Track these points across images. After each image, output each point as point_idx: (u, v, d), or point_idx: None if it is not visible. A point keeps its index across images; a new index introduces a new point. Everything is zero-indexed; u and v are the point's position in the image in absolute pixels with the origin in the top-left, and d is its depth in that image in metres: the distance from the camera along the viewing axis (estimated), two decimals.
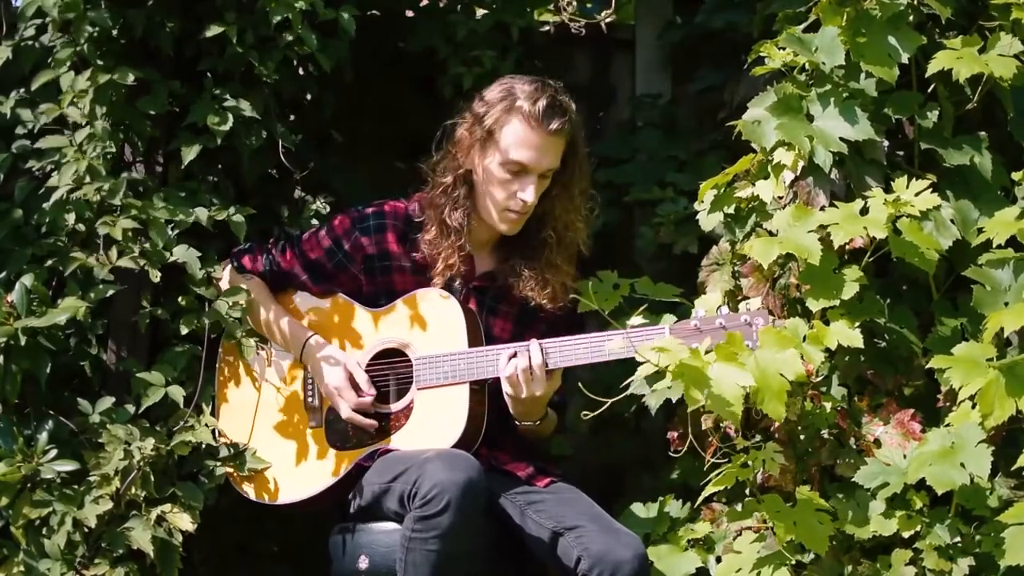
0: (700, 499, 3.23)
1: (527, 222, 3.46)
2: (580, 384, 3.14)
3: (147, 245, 3.39)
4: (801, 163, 3.27)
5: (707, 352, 3.01)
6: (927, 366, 3.22)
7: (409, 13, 4.15)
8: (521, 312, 3.49)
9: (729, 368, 2.97)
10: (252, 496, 3.45)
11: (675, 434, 3.32)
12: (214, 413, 3.48)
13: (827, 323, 3.18)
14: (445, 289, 3.43)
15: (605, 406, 3.05)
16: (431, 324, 3.41)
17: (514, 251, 3.48)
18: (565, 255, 3.48)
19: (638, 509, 3.50)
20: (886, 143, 3.35)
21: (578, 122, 3.44)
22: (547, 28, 4.43)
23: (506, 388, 3.31)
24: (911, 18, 3.31)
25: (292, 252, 3.51)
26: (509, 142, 3.36)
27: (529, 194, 3.37)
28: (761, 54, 3.35)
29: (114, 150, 3.48)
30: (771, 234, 3.25)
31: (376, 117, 4.11)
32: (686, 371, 2.95)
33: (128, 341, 3.52)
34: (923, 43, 3.29)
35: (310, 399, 3.46)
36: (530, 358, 3.28)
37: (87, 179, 3.39)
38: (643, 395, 3.35)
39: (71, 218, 3.40)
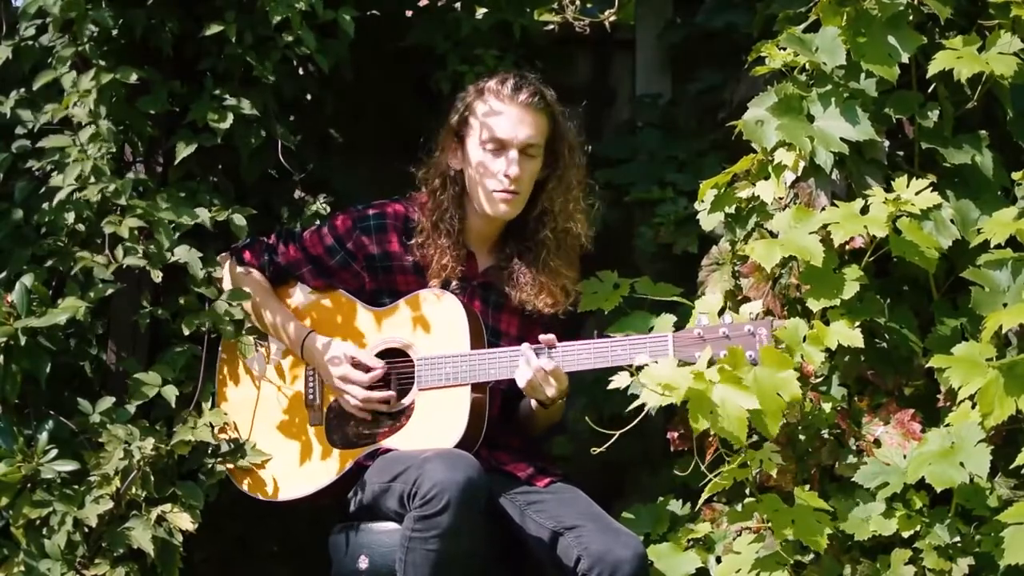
0: (701, 501, 3.24)
1: (526, 221, 3.46)
2: (587, 418, 3.20)
3: (151, 246, 3.39)
4: (802, 163, 3.27)
5: (709, 365, 3.02)
6: (927, 366, 3.22)
7: (408, 13, 4.14)
8: (526, 306, 3.49)
9: (733, 391, 3.00)
10: (252, 493, 3.46)
11: (675, 434, 3.32)
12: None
13: (827, 323, 3.18)
14: (447, 289, 3.43)
15: (613, 439, 3.08)
16: (433, 325, 3.41)
17: (514, 251, 3.49)
18: (565, 257, 3.48)
19: (638, 509, 3.50)
20: (887, 143, 3.35)
21: (560, 109, 3.46)
22: (551, 28, 4.43)
23: (525, 391, 3.33)
24: (911, 18, 3.31)
25: (293, 247, 3.51)
26: (483, 120, 3.39)
27: (513, 168, 3.37)
28: (761, 54, 3.35)
29: (115, 150, 3.48)
30: (772, 235, 3.25)
31: (376, 117, 4.11)
32: (692, 396, 2.97)
33: (128, 341, 3.53)
34: (923, 43, 3.29)
35: (310, 397, 3.46)
36: (533, 367, 3.28)
37: (91, 179, 3.39)
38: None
39: (71, 217, 3.40)
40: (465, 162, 3.44)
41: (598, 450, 3.10)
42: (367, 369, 3.39)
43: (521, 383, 3.30)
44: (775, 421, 3.03)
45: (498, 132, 3.38)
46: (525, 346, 3.31)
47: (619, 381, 3.14)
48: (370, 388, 3.39)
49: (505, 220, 3.45)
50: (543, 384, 3.29)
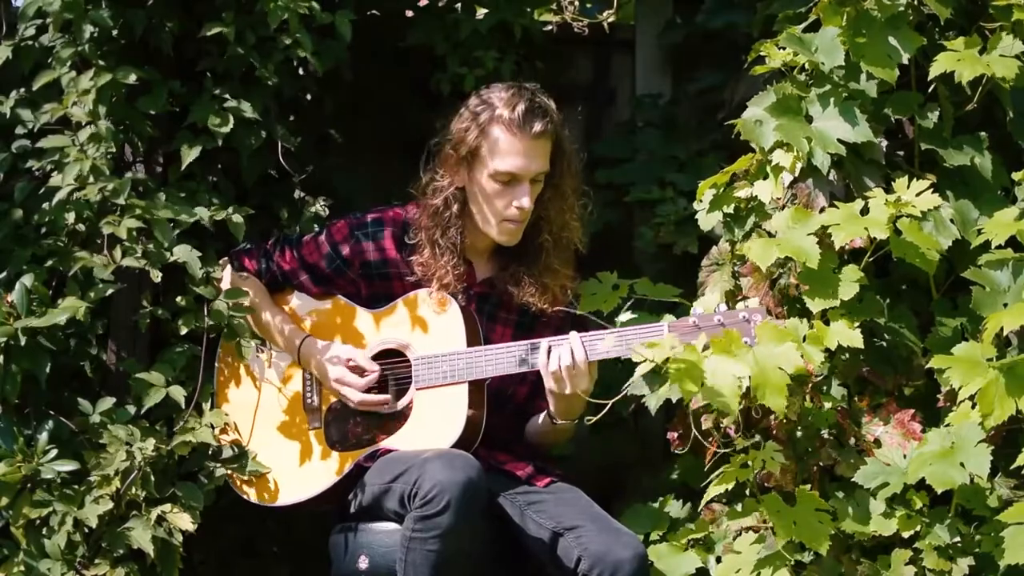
0: (703, 503, 3.24)
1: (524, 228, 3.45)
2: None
3: (150, 245, 3.39)
4: (800, 165, 3.26)
5: (704, 348, 3.02)
6: (927, 366, 3.23)
7: (408, 13, 4.15)
8: (521, 318, 3.48)
9: (725, 360, 2.98)
10: (252, 498, 3.45)
11: (675, 434, 3.32)
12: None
13: (827, 323, 3.18)
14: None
15: (607, 407, 3.07)
16: (430, 325, 3.41)
17: (512, 258, 3.48)
18: (562, 257, 3.48)
19: (638, 509, 3.50)
20: (885, 143, 3.35)
21: (560, 120, 3.43)
22: (549, 28, 4.43)
23: (550, 385, 3.29)
24: (911, 18, 3.31)
25: (291, 253, 3.51)
26: (495, 153, 3.36)
27: (524, 201, 3.36)
28: (761, 53, 3.34)
29: (115, 150, 3.48)
30: (770, 235, 3.25)
31: (376, 117, 4.11)
32: (684, 366, 2.95)
33: (128, 341, 3.52)
34: (923, 44, 3.29)
35: (310, 399, 3.46)
36: (573, 353, 3.25)
37: (90, 179, 3.39)
38: (643, 395, 3.35)
39: (71, 217, 3.40)
40: (471, 184, 3.41)
41: (592, 420, 3.08)
42: (363, 372, 3.39)
43: (555, 367, 3.25)
44: (780, 395, 3.01)
45: (513, 168, 3.35)
46: (573, 334, 3.27)
47: (603, 347, 3.13)
48: (368, 390, 3.40)
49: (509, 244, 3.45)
50: (579, 378, 3.24)
